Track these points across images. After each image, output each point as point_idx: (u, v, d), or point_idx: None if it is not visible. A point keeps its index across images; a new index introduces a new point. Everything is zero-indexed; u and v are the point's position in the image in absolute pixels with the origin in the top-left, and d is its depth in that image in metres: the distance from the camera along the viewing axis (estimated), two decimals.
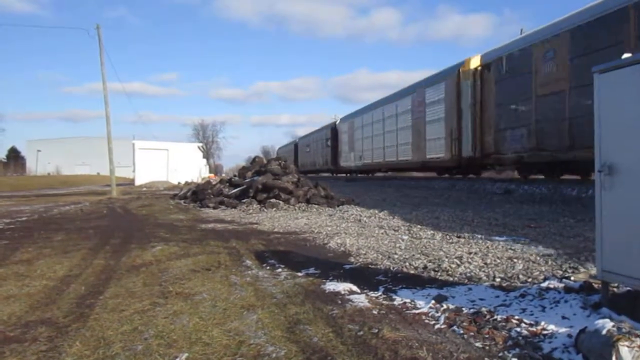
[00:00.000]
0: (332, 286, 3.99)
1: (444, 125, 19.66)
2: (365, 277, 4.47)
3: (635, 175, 2.65)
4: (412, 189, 19.45)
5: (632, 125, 2.66)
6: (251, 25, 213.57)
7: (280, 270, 4.80)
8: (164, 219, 10.49)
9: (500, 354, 2.53)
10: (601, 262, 2.92)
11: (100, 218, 11.12)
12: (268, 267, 4.93)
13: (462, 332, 2.88)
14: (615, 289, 3.25)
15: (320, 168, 45.52)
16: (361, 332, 2.87)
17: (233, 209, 12.37)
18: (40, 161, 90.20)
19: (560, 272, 4.32)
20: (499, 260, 4.91)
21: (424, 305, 3.44)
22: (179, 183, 35.06)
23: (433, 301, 3.49)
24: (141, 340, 2.86)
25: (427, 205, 11.87)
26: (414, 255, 5.38)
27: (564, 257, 4.98)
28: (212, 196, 14.16)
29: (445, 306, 3.38)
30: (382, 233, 7.21)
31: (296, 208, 11.99)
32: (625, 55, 2.76)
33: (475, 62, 17.63)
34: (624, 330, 2.32)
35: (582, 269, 4.37)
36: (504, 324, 2.96)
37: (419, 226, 7.77)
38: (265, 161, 16.31)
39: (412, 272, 4.68)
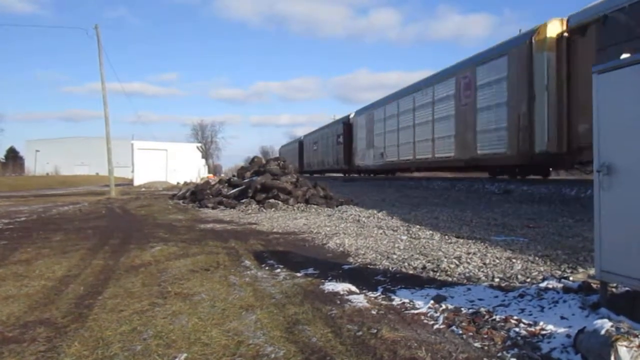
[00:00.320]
0: (331, 286, 3.99)
1: (506, 112, 15.50)
2: (364, 277, 4.48)
3: (634, 175, 2.65)
4: (411, 189, 19.44)
5: (631, 126, 2.66)
6: (251, 25, 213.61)
7: (279, 270, 4.80)
8: (162, 219, 10.48)
9: (499, 354, 2.53)
10: (600, 262, 2.93)
11: (99, 218, 11.11)
12: (267, 268, 4.93)
13: (461, 332, 2.88)
14: (613, 289, 3.26)
15: (329, 168, 41.81)
16: (360, 332, 2.87)
17: (232, 209, 12.36)
18: (38, 161, 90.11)
19: (559, 272, 4.32)
20: (497, 261, 4.92)
21: (422, 305, 3.44)
22: (177, 183, 35.04)
23: (432, 301, 3.49)
24: (140, 340, 2.85)
25: (426, 205, 11.88)
26: (412, 255, 5.39)
27: (562, 257, 4.98)
28: (210, 196, 14.16)
29: (444, 306, 3.38)
30: (381, 233, 7.21)
31: (295, 208, 11.99)
32: (624, 56, 2.76)
33: (555, 28, 13.68)
34: (622, 330, 2.32)
35: (580, 269, 4.37)
36: (502, 324, 2.96)
37: (417, 226, 7.77)
38: (264, 161, 16.31)
39: (411, 272, 4.68)
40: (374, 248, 5.95)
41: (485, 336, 2.79)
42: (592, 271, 4.00)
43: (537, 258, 4.99)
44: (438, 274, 4.53)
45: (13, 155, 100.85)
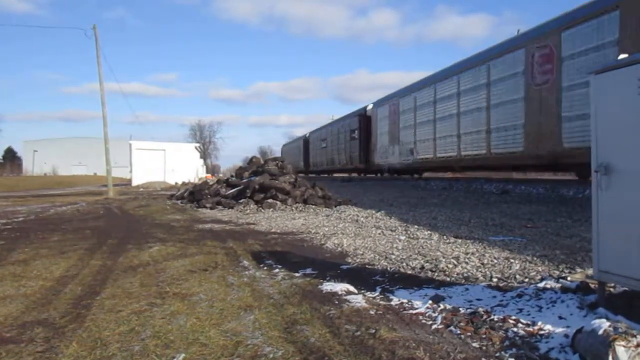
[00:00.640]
0: (329, 286, 3.99)
1: None
2: (363, 277, 4.48)
3: (632, 175, 2.65)
4: (409, 189, 19.45)
5: (629, 126, 2.67)
6: (251, 26, 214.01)
7: (277, 270, 4.79)
8: (161, 220, 10.47)
9: (497, 354, 2.53)
10: (598, 262, 2.93)
11: (97, 218, 11.09)
12: (265, 268, 4.93)
13: (459, 332, 2.88)
14: (611, 289, 3.26)
15: (341, 167, 37.61)
16: (358, 333, 2.87)
17: (230, 210, 12.36)
18: (36, 161, 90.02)
19: (557, 272, 4.33)
20: (495, 261, 4.92)
21: (421, 305, 3.44)
22: (176, 183, 35.03)
23: (430, 301, 3.49)
24: (138, 340, 2.85)
25: (424, 205, 11.88)
26: (411, 255, 5.39)
27: (560, 257, 4.99)
28: (209, 196, 14.15)
29: (442, 306, 3.38)
30: (380, 233, 7.21)
31: (293, 208, 11.99)
32: (622, 56, 2.77)
33: None
34: (620, 330, 2.32)
35: (578, 269, 4.37)
36: (501, 324, 2.96)
37: (416, 226, 7.77)
38: (262, 161, 16.30)
39: (409, 272, 4.68)
40: (372, 248, 5.95)
41: (484, 336, 2.80)
42: (590, 271, 4.01)
43: (535, 258, 4.99)
44: (436, 274, 4.53)
45: (11, 156, 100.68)
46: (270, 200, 12.45)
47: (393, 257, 5.34)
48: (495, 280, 4.20)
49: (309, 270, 4.77)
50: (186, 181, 34.47)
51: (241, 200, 12.94)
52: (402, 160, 25.78)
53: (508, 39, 17.28)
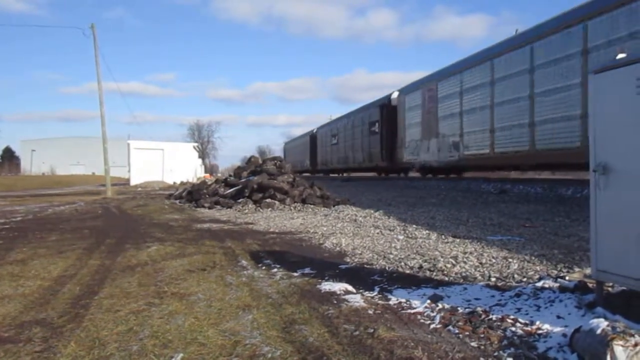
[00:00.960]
0: (327, 286, 3.99)
1: None
2: (361, 277, 4.48)
3: (630, 175, 2.66)
4: (408, 189, 19.45)
5: (627, 125, 2.67)
6: (250, 26, 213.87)
7: (275, 270, 4.79)
8: (159, 219, 10.46)
9: (496, 354, 2.54)
10: (596, 262, 2.94)
11: (95, 218, 11.08)
12: (264, 267, 4.92)
13: (457, 331, 2.89)
14: (609, 289, 3.26)
15: (357, 165, 32.92)
16: (357, 332, 2.87)
17: (228, 209, 12.35)
18: (34, 161, 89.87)
19: (555, 272, 4.33)
20: (494, 260, 4.92)
21: (419, 305, 3.44)
22: (174, 183, 34.98)
23: (428, 301, 3.49)
24: (136, 340, 2.85)
25: (422, 205, 11.89)
26: (409, 255, 5.39)
27: (558, 257, 4.99)
28: (207, 196, 14.14)
29: (440, 306, 3.38)
30: (378, 233, 7.21)
31: (292, 208, 11.98)
32: (620, 56, 2.78)
33: None
34: (618, 329, 2.33)
35: (576, 269, 4.38)
36: (499, 323, 2.97)
37: (414, 226, 7.77)
38: (260, 161, 16.29)
39: (407, 271, 4.68)
40: (370, 248, 5.95)
41: (482, 335, 2.80)
42: (588, 271, 4.01)
43: (533, 257, 5.00)
44: (435, 273, 4.53)
45: (9, 155, 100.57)
46: (268, 200, 12.45)
47: (391, 256, 5.34)
48: (493, 279, 4.20)
49: (307, 270, 4.77)
50: (184, 181, 34.42)
51: (239, 200, 12.93)
52: (441, 158, 20.83)
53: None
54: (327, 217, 9.74)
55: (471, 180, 19.84)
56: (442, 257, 5.18)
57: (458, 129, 19.41)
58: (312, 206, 12.15)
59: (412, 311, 3.33)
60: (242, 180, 14.34)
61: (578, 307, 3.07)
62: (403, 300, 3.61)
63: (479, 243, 5.96)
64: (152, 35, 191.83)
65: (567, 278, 3.88)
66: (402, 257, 5.29)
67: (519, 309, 3.23)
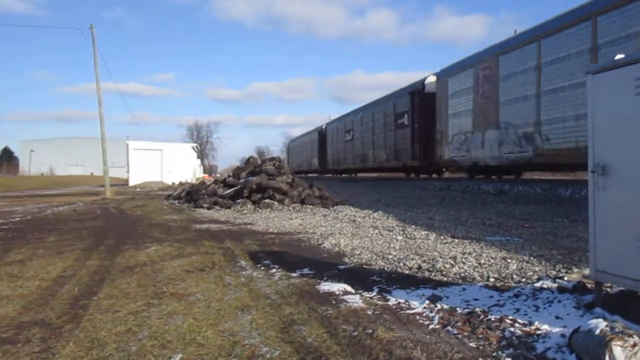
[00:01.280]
0: (326, 286, 3.99)
1: None
2: (360, 277, 4.47)
3: (629, 176, 2.66)
4: (406, 189, 19.46)
5: (625, 126, 2.67)
6: (249, 26, 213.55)
7: (274, 270, 4.79)
8: (158, 220, 10.45)
9: (494, 354, 2.54)
10: (594, 262, 2.94)
11: (94, 218, 11.07)
12: (262, 268, 4.92)
13: (456, 332, 2.89)
14: (608, 289, 3.27)
15: (378, 164, 28.61)
16: (355, 333, 2.87)
17: (227, 210, 12.35)
18: (33, 161, 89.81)
19: (554, 272, 4.34)
20: (492, 261, 4.93)
21: (418, 305, 3.45)
22: (173, 183, 34.95)
23: (427, 301, 3.49)
24: (135, 341, 2.85)
25: (421, 205, 11.89)
26: (408, 255, 5.39)
27: (557, 257, 5.00)
28: (206, 196, 14.13)
29: (439, 306, 3.38)
30: (377, 233, 7.21)
31: (290, 208, 11.98)
32: (619, 56, 2.78)
33: None
34: (617, 330, 2.33)
35: (575, 269, 4.38)
36: (497, 324, 2.97)
37: (413, 226, 7.78)
38: (259, 161, 16.28)
39: (406, 272, 4.68)
40: (369, 248, 5.95)
41: (481, 336, 2.80)
42: (586, 271, 4.02)
43: (532, 258, 5.00)
44: (433, 274, 4.53)
45: (7, 156, 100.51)
46: (267, 201, 12.45)
47: (390, 257, 5.34)
48: (492, 280, 4.21)
49: (306, 271, 4.77)
50: (183, 181, 34.37)
51: (238, 201, 12.93)
52: (504, 153, 16.30)
53: None
54: (326, 218, 9.74)
55: (470, 180, 19.83)
56: (441, 257, 5.18)
57: (533, 115, 14.52)
58: (310, 207, 12.15)
59: (411, 312, 3.33)
60: (241, 180, 14.34)
61: (577, 307, 3.07)
62: (402, 300, 3.61)
63: (477, 243, 5.96)
64: (150, 35, 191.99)
65: (565, 279, 3.89)
66: (401, 257, 5.29)
67: (517, 310, 3.23)
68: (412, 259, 5.18)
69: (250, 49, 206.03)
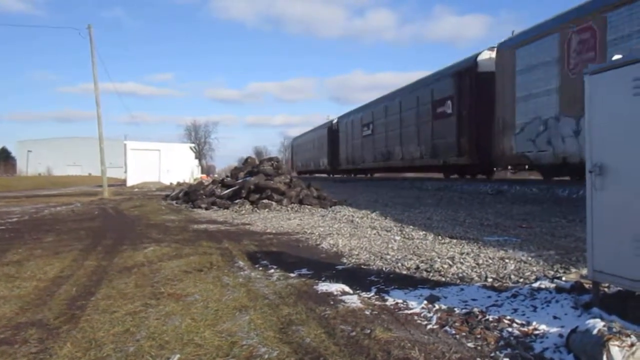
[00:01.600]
0: (324, 287, 3.99)
1: None
2: (358, 277, 4.47)
3: (626, 176, 2.67)
4: (404, 190, 19.47)
5: (623, 126, 2.68)
6: (248, 26, 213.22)
7: (272, 271, 4.79)
8: (156, 220, 10.44)
9: (492, 354, 2.54)
10: (592, 262, 2.94)
11: (91, 219, 11.05)
12: (260, 268, 4.92)
13: (454, 332, 2.89)
14: (606, 289, 3.27)
15: (409, 163, 23.85)
16: (354, 333, 2.87)
17: (225, 210, 12.34)
18: (30, 162, 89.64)
19: (552, 272, 4.34)
20: (490, 261, 4.93)
21: (416, 305, 3.45)
22: (171, 184, 34.92)
23: (425, 301, 3.49)
24: (133, 341, 2.84)
25: (419, 205, 11.90)
26: (406, 255, 5.39)
27: (555, 258, 5.00)
28: (204, 197, 14.12)
29: (437, 306, 3.39)
30: (375, 234, 7.22)
31: (289, 209, 11.98)
32: (616, 57, 2.79)
33: None
34: (614, 330, 2.33)
35: (573, 269, 4.39)
36: (495, 324, 2.97)
37: (411, 227, 7.78)
38: (257, 162, 16.28)
39: (404, 272, 4.69)
40: (367, 248, 5.95)
41: (478, 336, 2.80)
42: (584, 271, 4.02)
43: (529, 258, 5.01)
44: (431, 274, 4.53)
45: (5, 156, 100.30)
46: (265, 201, 12.45)
47: (388, 257, 5.34)
48: (490, 280, 4.21)
49: (304, 271, 4.77)
50: (181, 182, 34.35)
51: (236, 201, 12.92)
52: None
53: None
54: (324, 218, 9.74)
55: (467, 180, 19.85)
56: (438, 257, 5.18)
57: None
58: (309, 207, 12.15)
59: (409, 312, 3.33)
60: (239, 181, 14.33)
61: (574, 307, 3.08)
62: (400, 300, 3.61)
63: (475, 244, 5.97)
64: (150, 35, 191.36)
65: (563, 279, 3.89)
66: (399, 257, 5.29)
67: (515, 310, 3.23)
68: (410, 259, 5.18)
69: (250, 49, 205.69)
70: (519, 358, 2.49)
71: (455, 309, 3.30)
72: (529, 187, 14.24)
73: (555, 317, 3.00)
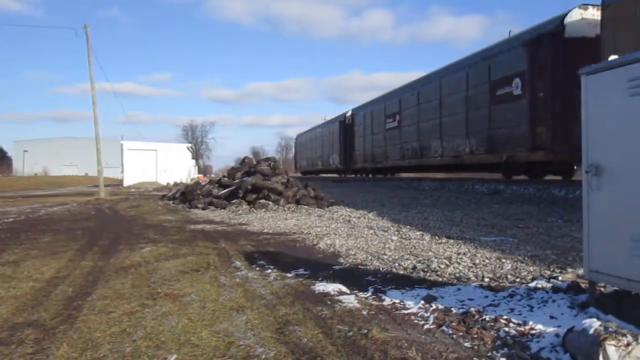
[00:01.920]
0: (321, 287, 3.99)
1: None
2: (355, 277, 4.48)
3: (622, 176, 2.67)
4: (402, 190, 19.49)
5: (619, 126, 2.69)
6: (245, 26, 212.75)
7: (269, 271, 4.79)
8: (152, 220, 10.42)
9: (489, 354, 2.54)
10: (588, 262, 2.95)
11: (88, 219, 11.03)
12: (257, 268, 4.92)
13: (451, 332, 2.89)
14: (602, 289, 3.28)
15: (454, 159, 18.93)
16: (350, 333, 2.87)
17: (222, 210, 12.33)
18: (27, 162, 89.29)
19: (548, 272, 4.35)
20: (487, 261, 4.94)
21: (413, 305, 3.45)
22: (167, 184, 34.87)
23: (422, 301, 3.50)
24: (129, 341, 2.83)
25: (416, 205, 11.91)
26: (403, 255, 5.40)
27: (551, 257, 5.01)
28: (201, 197, 14.10)
29: (434, 306, 3.39)
30: (372, 234, 7.22)
31: (285, 209, 11.98)
32: (612, 57, 2.79)
33: None
34: (610, 329, 2.34)
35: (569, 269, 4.40)
36: (492, 323, 2.97)
37: (408, 227, 7.79)
38: (254, 162, 16.26)
39: (401, 272, 4.69)
40: (364, 248, 5.95)
41: (475, 336, 2.80)
42: (580, 271, 4.04)
43: (526, 258, 5.02)
44: (428, 274, 4.54)
45: (1, 156, 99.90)
46: (262, 201, 12.44)
47: (385, 257, 5.34)
48: (487, 280, 4.22)
49: (301, 271, 4.77)
50: (178, 182, 34.31)
51: (233, 201, 12.92)
52: None
53: None
54: (321, 218, 9.74)
55: (464, 180, 19.87)
56: (435, 257, 5.19)
57: None
58: (306, 207, 12.15)
59: (406, 312, 3.33)
60: (236, 181, 14.32)
61: (571, 307, 3.08)
62: (397, 300, 3.61)
63: (472, 244, 5.98)
64: (147, 35, 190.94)
65: (560, 278, 3.90)
66: (396, 257, 5.29)
67: (512, 310, 3.24)
68: (407, 259, 5.19)
69: (246, 49, 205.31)
70: (515, 358, 2.49)
71: (452, 309, 3.31)
72: (525, 187, 14.27)
73: (551, 317, 3.01)
